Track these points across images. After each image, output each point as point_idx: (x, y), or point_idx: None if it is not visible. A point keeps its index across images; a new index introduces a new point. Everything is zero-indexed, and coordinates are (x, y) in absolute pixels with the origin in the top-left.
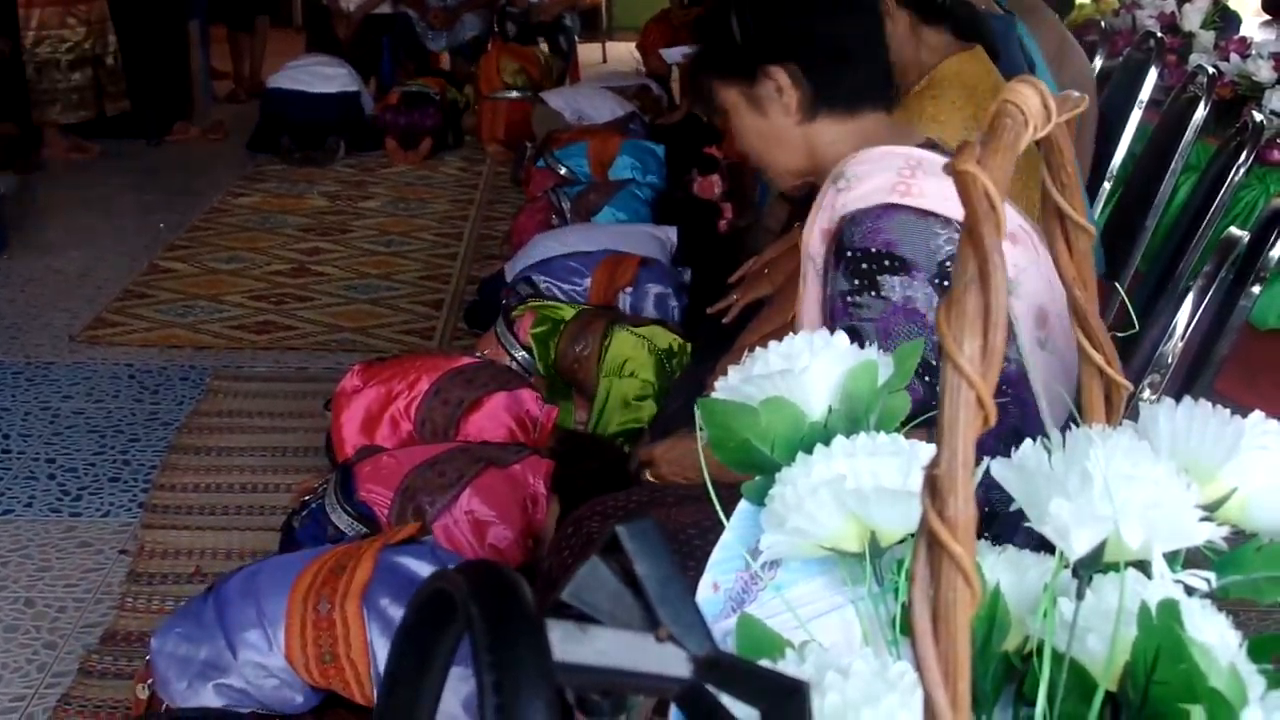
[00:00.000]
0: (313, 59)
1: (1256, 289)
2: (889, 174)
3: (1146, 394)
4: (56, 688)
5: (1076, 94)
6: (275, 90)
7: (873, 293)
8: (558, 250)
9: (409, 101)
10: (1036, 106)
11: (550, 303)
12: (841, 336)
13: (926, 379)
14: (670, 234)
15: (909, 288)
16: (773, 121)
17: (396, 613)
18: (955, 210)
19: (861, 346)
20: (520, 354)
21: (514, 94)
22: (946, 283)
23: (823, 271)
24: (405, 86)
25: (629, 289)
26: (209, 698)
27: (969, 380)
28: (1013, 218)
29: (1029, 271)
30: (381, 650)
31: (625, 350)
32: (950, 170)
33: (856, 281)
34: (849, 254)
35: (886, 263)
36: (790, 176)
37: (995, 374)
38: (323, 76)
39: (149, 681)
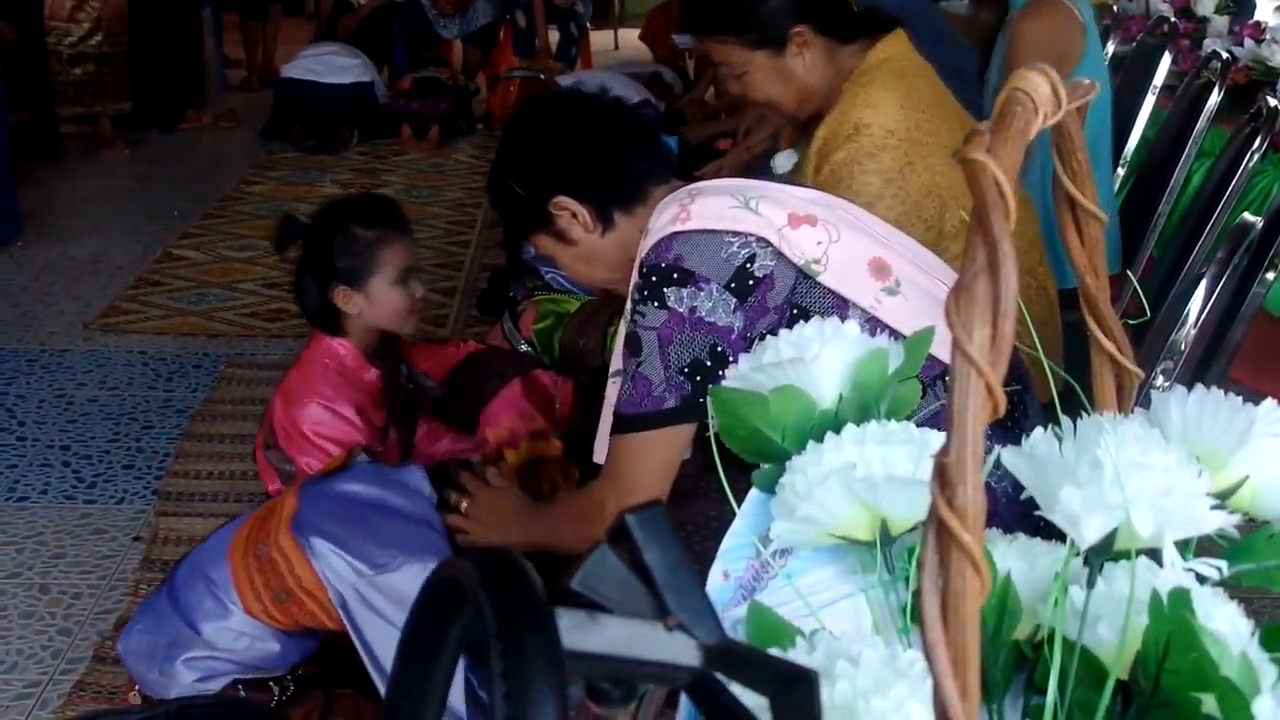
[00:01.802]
0: (326, 48)
1: (1271, 275)
2: (672, 208)
3: (1160, 381)
4: (72, 674)
5: (1088, 80)
6: (289, 80)
7: (655, 303)
8: None
9: (420, 88)
10: (1046, 94)
11: (554, 295)
12: (852, 324)
13: (697, 379)
14: None
15: (695, 298)
16: (582, 244)
17: (334, 529)
18: (733, 223)
19: (637, 353)
20: (525, 349)
21: (525, 73)
22: (750, 281)
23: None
24: (417, 73)
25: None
26: (183, 675)
27: (978, 368)
28: (807, 201)
29: (839, 243)
30: (333, 574)
31: None
32: (959, 158)
33: (645, 293)
34: (643, 270)
35: (674, 275)
36: (623, 282)
37: (1005, 363)
38: (336, 67)
39: (138, 688)
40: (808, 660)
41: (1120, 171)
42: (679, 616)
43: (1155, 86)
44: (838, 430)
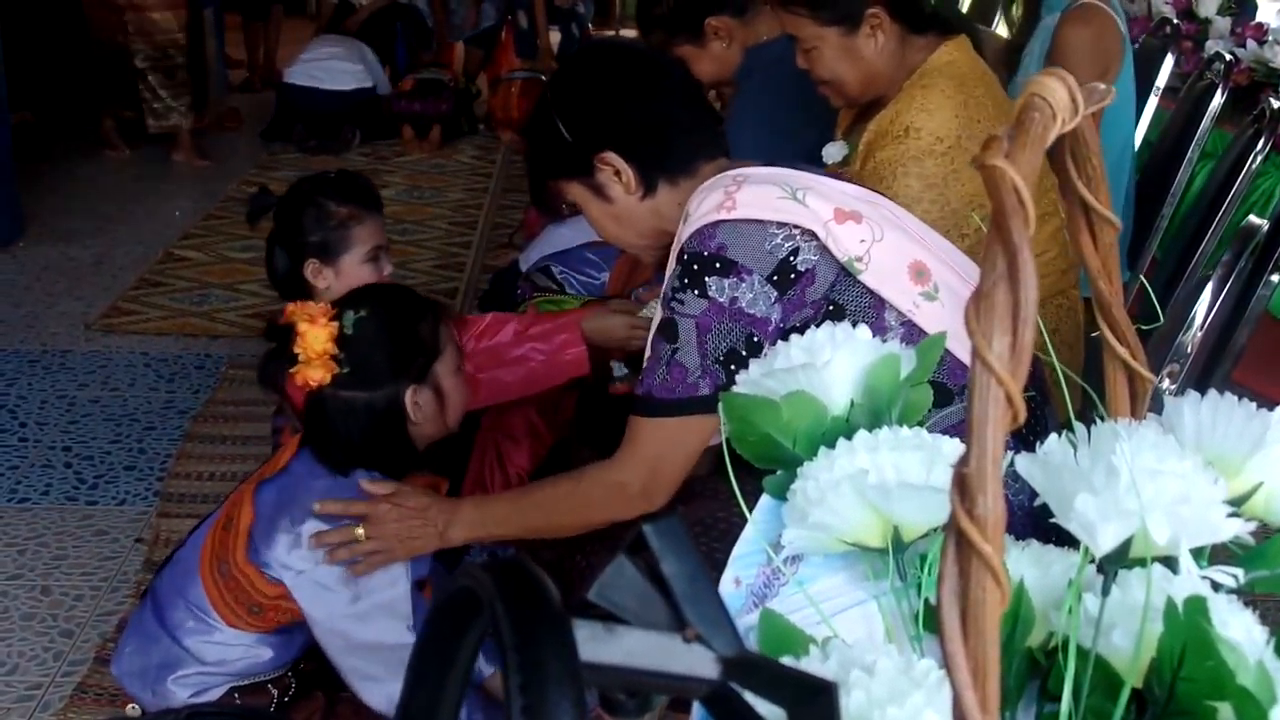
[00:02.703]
0: (329, 48)
1: (1276, 278)
2: (717, 194)
3: (1165, 384)
4: (73, 676)
5: (1104, 86)
6: (290, 86)
7: (696, 291)
8: (573, 239)
9: (422, 89)
10: (1064, 99)
11: (555, 297)
12: (864, 330)
13: (731, 368)
14: None
15: (736, 289)
16: (618, 203)
17: (285, 536)
18: (779, 214)
19: (673, 340)
20: None
21: (527, 73)
22: (791, 274)
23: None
24: (418, 73)
25: (644, 285)
26: (177, 694)
27: (998, 377)
28: (853, 198)
29: (882, 242)
30: (296, 585)
31: None
32: (977, 164)
33: (685, 280)
34: (684, 257)
35: (716, 264)
36: (649, 249)
37: (1024, 371)
38: (338, 72)
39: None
40: (821, 669)
41: None
42: (697, 628)
43: (1158, 88)
44: (849, 436)
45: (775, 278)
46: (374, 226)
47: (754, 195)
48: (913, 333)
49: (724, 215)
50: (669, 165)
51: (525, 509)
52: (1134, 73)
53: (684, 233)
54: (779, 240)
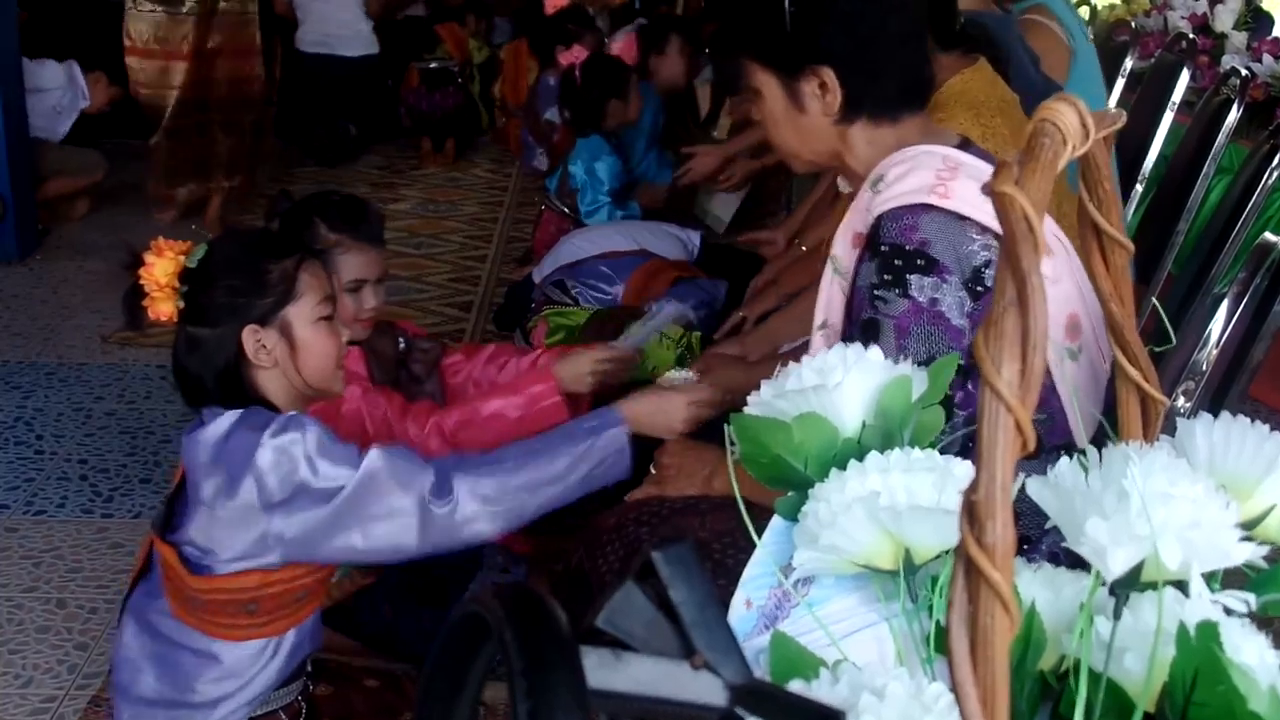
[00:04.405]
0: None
1: None
2: (927, 173)
3: (1180, 401)
4: (88, 689)
5: (1115, 110)
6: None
7: (898, 290)
8: (587, 250)
9: (429, 81)
10: (1074, 124)
11: (565, 309)
12: (876, 351)
13: (969, 386)
14: (693, 237)
15: (938, 289)
16: (810, 118)
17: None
18: (982, 215)
19: (876, 340)
20: None
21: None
22: (980, 288)
23: (850, 272)
24: (423, 64)
25: (659, 300)
26: None
27: (1007, 405)
28: (1048, 228)
29: (1061, 284)
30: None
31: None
32: (986, 191)
33: (886, 277)
34: (883, 248)
35: (919, 261)
36: (811, 165)
37: (1034, 398)
38: (352, 33)
39: None
40: (831, 693)
41: (1139, 188)
42: (705, 655)
43: (1174, 103)
44: (861, 458)
45: (969, 285)
46: (362, 259)
47: (966, 188)
48: (1048, 392)
49: (934, 200)
50: (879, 104)
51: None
52: (1099, 72)
53: (877, 205)
54: (974, 246)
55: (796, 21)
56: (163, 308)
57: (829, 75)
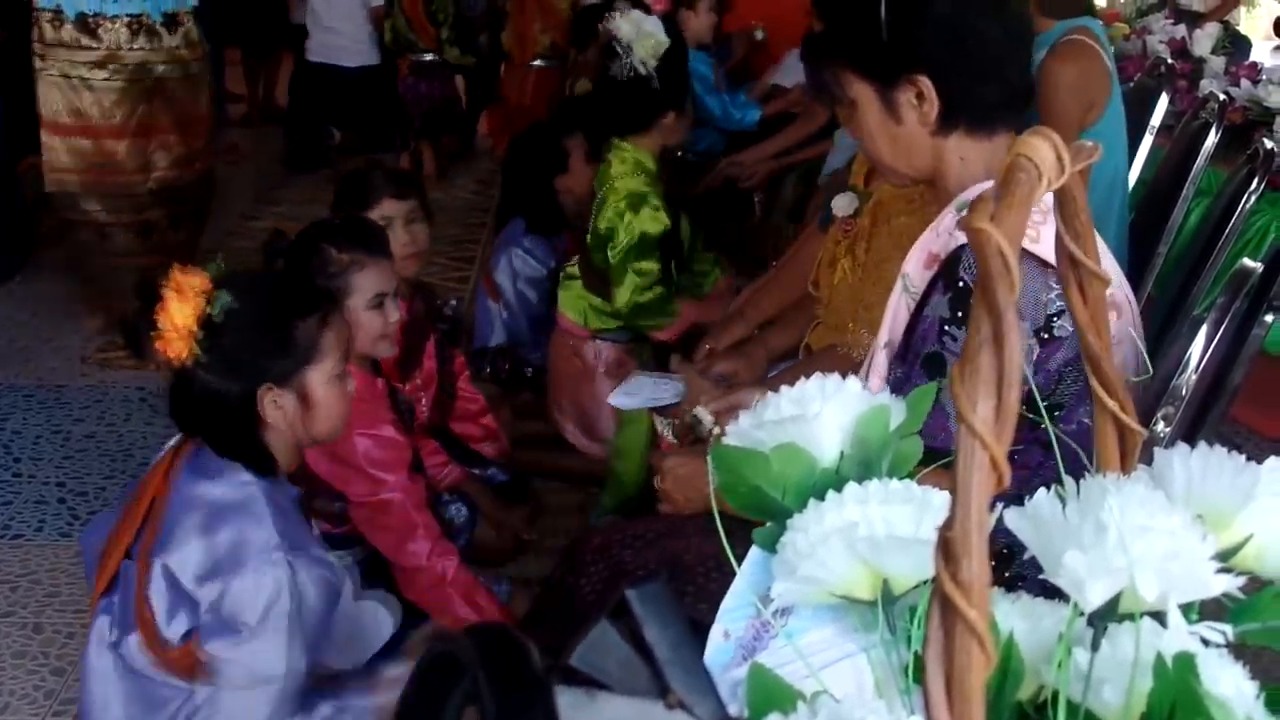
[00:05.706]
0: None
1: (1270, 318)
2: None
3: (1160, 426)
4: (64, 715)
5: (1090, 143)
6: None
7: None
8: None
9: (419, 73)
10: (1050, 158)
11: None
12: (854, 381)
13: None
14: None
15: None
16: (907, 128)
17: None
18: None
19: (941, 375)
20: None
21: (540, 63)
22: (1047, 335)
23: (920, 293)
24: (416, 56)
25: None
26: None
27: (982, 441)
28: (1117, 285)
29: (1118, 347)
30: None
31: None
32: (961, 227)
33: (960, 314)
34: (959, 284)
35: None
36: (906, 178)
37: (1009, 435)
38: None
39: None
40: None
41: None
42: (680, 694)
43: (1153, 127)
44: (839, 488)
45: (1038, 333)
46: (378, 273)
47: (1053, 233)
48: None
49: (1026, 244)
50: (977, 117)
51: None
52: (1124, 108)
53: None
54: (1052, 295)
55: (892, 29)
56: (176, 348)
57: (926, 84)
